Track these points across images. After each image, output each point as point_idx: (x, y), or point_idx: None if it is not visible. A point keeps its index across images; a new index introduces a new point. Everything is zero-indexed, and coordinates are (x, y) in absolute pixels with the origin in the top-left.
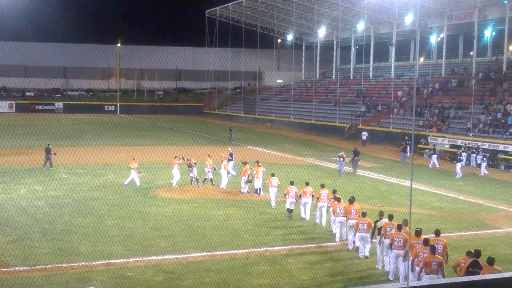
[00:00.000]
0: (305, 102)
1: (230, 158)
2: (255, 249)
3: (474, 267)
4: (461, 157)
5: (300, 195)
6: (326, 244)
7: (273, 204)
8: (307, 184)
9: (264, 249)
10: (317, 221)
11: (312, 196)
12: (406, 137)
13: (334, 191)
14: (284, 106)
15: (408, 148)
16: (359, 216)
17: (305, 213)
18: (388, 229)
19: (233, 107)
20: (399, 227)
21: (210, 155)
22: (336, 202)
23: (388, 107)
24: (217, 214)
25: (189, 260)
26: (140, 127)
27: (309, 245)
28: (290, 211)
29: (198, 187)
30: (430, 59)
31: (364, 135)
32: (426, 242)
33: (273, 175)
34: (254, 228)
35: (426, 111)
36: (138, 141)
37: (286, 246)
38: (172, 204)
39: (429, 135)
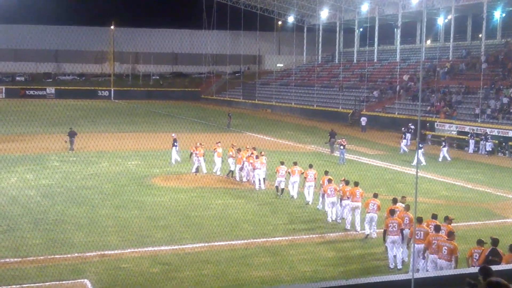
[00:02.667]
0: (307, 87)
1: (174, 143)
2: (255, 240)
3: (494, 256)
4: (444, 144)
5: (305, 178)
6: (329, 234)
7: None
8: (295, 163)
9: (264, 239)
10: (319, 207)
11: (304, 175)
12: (410, 123)
13: (326, 172)
14: (285, 91)
15: (408, 136)
16: (361, 198)
17: (293, 191)
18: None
19: (232, 92)
20: (419, 220)
21: (219, 142)
22: (328, 183)
23: (393, 92)
24: (216, 204)
25: (187, 251)
26: (135, 113)
27: (311, 236)
28: (277, 189)
29: (195, 175)
30: (437, 42)
31: (363, 121)
32: (437, 228)
33: (282, 163)
34: (254, 218)
35: (433, 96)
36: (133, 127)
37: (287, 236)
38: (169, 193)
39: (436, 121)
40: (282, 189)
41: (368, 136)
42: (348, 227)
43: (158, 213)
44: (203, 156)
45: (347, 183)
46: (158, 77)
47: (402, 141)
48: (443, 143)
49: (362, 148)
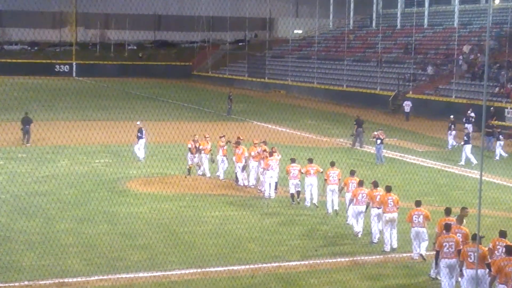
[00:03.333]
0: (334, 61)
1: (139, 135)
2: (264, 265)
3: None
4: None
5: (326, 179)
6: (362, 257)
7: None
8: (310, 161)
9: (277, 264)
10: (348, 221)
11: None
12: (470, 110)
13: (352, 172)
14: (304, 66)
15: (453, 127)
16: (397, 208)
17: (311, 199)
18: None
19: (234, 68)
20: (474, 237)
21: (223, 136)
22: (357, 186)
23: (450, 68)
24: (212, 216)
25: (173, 280)
26: (105, 95)
27: (339, 259)
28: (292, 196)
29: (185, 177)
30: (509, 2)
31: (407, 106)
32: (509, 250)
33: (293, 161)
34: (262, 235)
35: (502, 74)
36: (101, 114)
37: (306, 260)
38: (149, 202)
39: (507, 108)
40: (299, 195)
41: (414, 126)
42: (375, 240)
43: (135, 228)
44: (210, 153)
45: (375, 185)
46: (135, 47)
47: (450, 133)
48: (497, 136)
49: (407, 142)
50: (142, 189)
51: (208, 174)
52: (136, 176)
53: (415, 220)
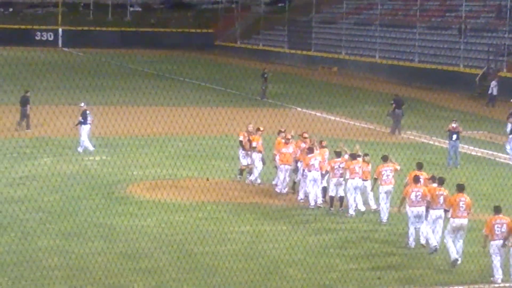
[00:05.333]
0: (402, 28)
1: (81, 120)
2: None
3: None
4: None
5: (376, 179)
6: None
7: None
8: (353, 156)
9: None
10: (422, 241)
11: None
12: None
13: (419, 165)
14: (363, 35)
15: None
16: (468, 213)
17: (383, 211)
18: None
19: (270, 37)
20: None
21: (261, 130)
22: (414, 183)
23: None
24: (240, 232)
25: None
26: (100, 73)
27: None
28: (332, 199)
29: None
30: None
31: (493, 87)
32: None
33: (338, 155)
34: (305, 257)
35: None
36: (96, 97)
37: None
38: (158, 213)
39: None
40: (341, 200)
41: (499, 114)
42: (457, 256)
43: (139, 247)
44: (262, 151)
45: (441, 182)
46: (140, 9)
47: None
48: None
49: (497, 136)
50: (148, 196)
51: (259, 181)
52: (140, 178)
53: (497, 230)
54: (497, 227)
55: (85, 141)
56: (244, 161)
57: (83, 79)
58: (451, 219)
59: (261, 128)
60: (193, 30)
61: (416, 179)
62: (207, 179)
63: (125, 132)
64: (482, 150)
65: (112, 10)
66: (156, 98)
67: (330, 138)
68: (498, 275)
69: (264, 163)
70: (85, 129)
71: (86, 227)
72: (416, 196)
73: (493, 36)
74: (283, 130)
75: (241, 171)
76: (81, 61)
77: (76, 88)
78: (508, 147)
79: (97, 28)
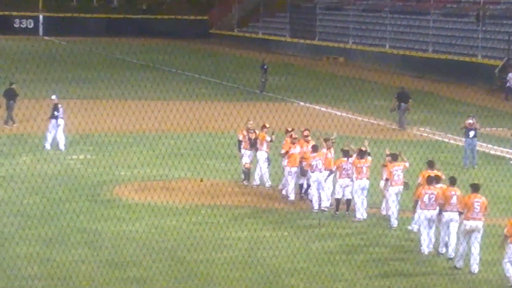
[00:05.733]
0: (414, 15)
1: (55, 113)
2: None
3: None
4: None
5: (387, 179)
6: None
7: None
8: (360, 154)
9: None
10: (412, 227)
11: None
12: None
13: (430, 164)
14: (372, 22)
15: None
16: (484, 214)
17: (393, 216)
18: None
19: (270, 24)
20: None
21: (266, 127)
22: (427, 184)
23: None
24: (237, 238)
25: None
26: (85, 63)
27: None
28: (338, 202)
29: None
30: None
31: (510, 78)
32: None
33: (345, 154)
34: (309, 266)
35: None
36: (80, 90)
37: None
38: (147, 217)
39: None
40: (348, 203)
41: None
42: (460, 264)
43: (127, 254)
44: (268, 150)
45: (452, 182)
46: None
47: None
48: None
49: None
50: (137, 198)
51: (269, 183)
52: (128, 179)
53: None
54: None
55: (59, 138)
56: (247, 159)
57: (66, 70)
58: (465, 221)
59: (267, 125)
60: (186, 17)
61: (430, 180)
62: (201, 180)
63: (111, 128)
64: (501, 148)
65: None
66: (146, 92)
67: (336, 135)
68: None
69: (269, 163)
70: (55, 124)
71: (69, 232)
72: (430, 198)
73: None
74: (290, 129)
75: (245, 173)
76: (64, 51)
77: (58, 81)
78: None
79: (81, 15)
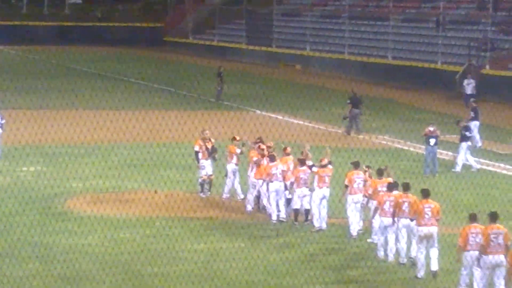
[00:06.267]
0: (373, 21)
1: None
2: None
3: None
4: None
5: (347, 186)
6: None
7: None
8: (323, 164)
9: None
10: (373, 239)
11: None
12: None
13: (380, 172)
14: (330, 29)
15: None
16: (437, 219)
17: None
18: None
19: (226, 32)
20: None
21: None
22: (386, 191)
23: None
24: (194, 250)
25: None
26: (35, 73)
27: None
28: (297, 212)
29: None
30: None
31: (470, 86)
32: None
33: (302, 163)
34: (267, 278)
35: None
36: (30, 100)
37: None
38: (101, 230)
39: None
40: (307, 213)
41: (490, 116)
42: (421, 274)
43: (80, 268)
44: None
45: (406, 188)
46: (80, 2)
47: None
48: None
49: (488, 142)
50: (89, 211)
51: (241, 196)
52: (80, 191)
53: (472, 239)
54: (472, 236)
55: None
56: (204, 171)
57: (14, 80)
58: (418, 228)
59: (237, 138)
60: (139, 24)
61: (390, 187)
62: (156, 191)
63: (62, 139)
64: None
65: (48, 2)
66: (98, 101)
67: (294, 143)
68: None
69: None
70: None
71: (19, 246)
72: (390, 205)
73: (474, 29)
74: (257, 140)
75: (201, 185)
76: (13, 60)
77: (7, 91)
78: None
79: (31, 23)
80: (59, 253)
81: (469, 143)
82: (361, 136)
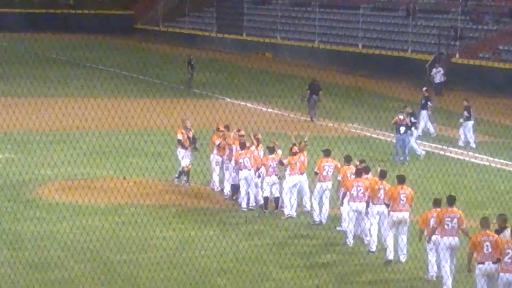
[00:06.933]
0: (343, 9)
1: None
2: None
3: None
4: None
5: (316, 173)
6: None
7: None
8: (293, 151)
9: None
10: (342, 227)
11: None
12: None
13: (348, 158)
14: (300, 17)
15: None
16: (409, 205)
17: (320, 212)
18: None
19: (197, 20)
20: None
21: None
22: (355, 176)
23: None
24: (163, 238)
25: None
26: (4, 60)
27: None
28: (266, 201)
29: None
30: None
31: (438, 75)
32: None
33: (271, 151)
34: (237, 265)
35: None
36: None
37: None
38: (71, 217)
39: None
40: (277, 201)
41: (459, 106)
42: (391, 256)
43: (49, 256)
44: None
45: (382, 175)
46: None
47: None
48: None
49: (448, 129)
50: (59, 198)
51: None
52: (50, 179)
53: (446, 226)
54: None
55: None
56: (185, 161)
57: None
58: (391, 213)
59: (221, 128)
60: (110, 12)
61: (358, 172)
62: (124, 178)
63: (32, 126)
64: (432, 144)
65: None
66: (67, 88)
67: (264, 131)
68: (433, 271)
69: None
70: None
71: None
72: (358, 190)
73: (445, 18)
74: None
75: (179, 174)
76: None
77: None
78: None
79: (1, 10)
80: (28, 240)
81: (415, 130)
82: (317, 122)
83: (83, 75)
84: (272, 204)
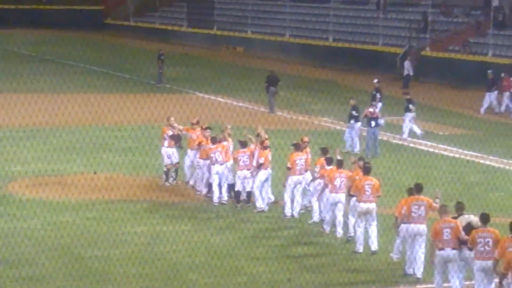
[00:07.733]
0: (314, 2)
1: None
2: None
3: None
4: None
5: (289, 168)
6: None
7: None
8: (263, 145)
9: None
10: (314, 219)
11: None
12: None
13: (324, 150)
14: (271, 11)
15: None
16: (376, 196)
17: (292, 206)
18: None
19: (167, 14)
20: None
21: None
22: (332, 167)
23: (487, 15)
24: (134, 233)
25: None
26: None
27: None
28: (238, 195)
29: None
30: None
31: (408, 67)
32: None
33: (243, 145)
34: (209, 260)
35: None
36: None
37: None
38: (41, 213)
39: None
40: (249, 195)
41: (431, 98)
42: (360, 248)
43: (20, 252)
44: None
45: (339, 164)
46: None
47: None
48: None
49: (420, 122)
50: (30, 194)
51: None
52: (21, 175)
53: (414, 213)
54: (415, 209)
55: None
56: (169, 160)
57: None
58: (357, 204)
59: (195, 121)
60: (80, 7)
61: (340, 163)
62: (95, 173)
63: (1, 122)
64: (401, 136)
65: None
66: (38, 84)
67: (235, 126)
68: (398, 254)
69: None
70: None
71: None
72: (341, 182)
73: (415, 11)
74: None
75: (166, 174)
76: None
77: None
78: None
79: None
80: None
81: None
82: (273, 114)
83: (53, 70)
84: (244, 198)
